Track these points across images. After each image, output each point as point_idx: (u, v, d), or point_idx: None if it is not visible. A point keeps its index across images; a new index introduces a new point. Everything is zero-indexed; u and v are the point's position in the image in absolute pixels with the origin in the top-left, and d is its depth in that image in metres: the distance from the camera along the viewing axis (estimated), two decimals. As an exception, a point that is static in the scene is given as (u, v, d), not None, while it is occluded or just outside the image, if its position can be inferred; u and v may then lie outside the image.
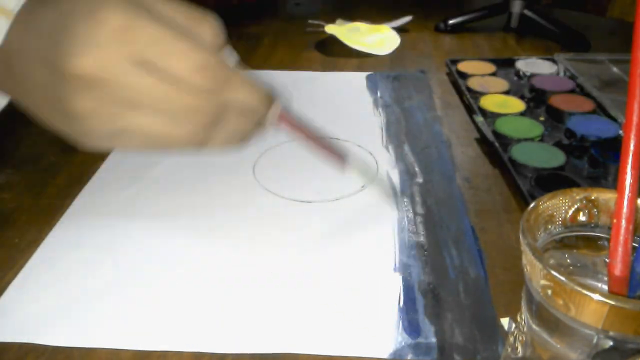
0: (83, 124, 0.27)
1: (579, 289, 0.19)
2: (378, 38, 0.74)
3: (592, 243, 0.24)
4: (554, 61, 0.67)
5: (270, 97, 0.31)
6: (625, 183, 0.20)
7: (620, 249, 0.21)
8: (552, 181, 0.44)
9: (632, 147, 0.20)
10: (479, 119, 0.54)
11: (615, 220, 0.21)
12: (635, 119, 0.20)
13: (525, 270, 0.22)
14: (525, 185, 0.43)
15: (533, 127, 0.52)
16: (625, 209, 0.21)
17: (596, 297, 0.18)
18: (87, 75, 0.26)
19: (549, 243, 0.24)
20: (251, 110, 0.30)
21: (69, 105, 0.27)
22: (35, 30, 0.27)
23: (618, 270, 0.21)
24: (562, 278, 0.19)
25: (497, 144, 0.49)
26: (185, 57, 0.27)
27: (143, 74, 0.26)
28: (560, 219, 0.24)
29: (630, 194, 0.20)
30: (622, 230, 0.21)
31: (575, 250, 0.24)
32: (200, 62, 0.27)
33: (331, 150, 0.36)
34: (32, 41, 0.27)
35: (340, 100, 0.60)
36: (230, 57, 0.31)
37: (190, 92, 0.27)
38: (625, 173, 0.20)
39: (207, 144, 0.30)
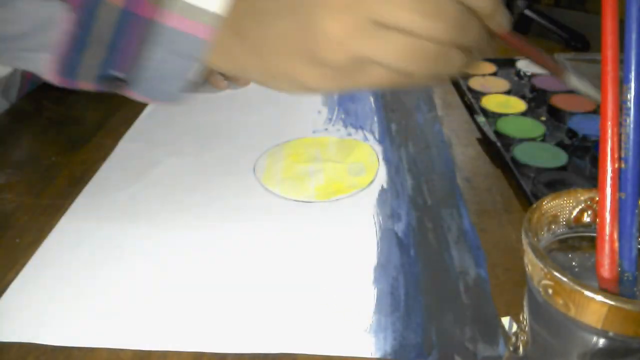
0: (326, 59, 0.29)
1: (579, 288, 0.19)
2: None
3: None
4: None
5: (500, 6, 0.31)
6: (605, 176, 0.21)
7: (606, 247, 0.21)
8: (554, 181, 0.44)
9: (609, 144, 0.20)
10: (481, 119, 0.54)
11: (599, 220, 0.21)
12: (610, 106, 0.20)
13: (527, 269, 0.22)
14: (528, 185, 0.43)
15: (535, 127, 0.52)
16: (608, 205, 0.21)
17: (596, 297, 0.18)
18: (334, 34, 0.28)
19: (552, 243, 0.24)
20: (488, 12, 0.30)
21: (322, 52, 0.28)
22: None
23: (606, 271, 0.21)
24: (563, 278, 0.19)
25: (499, 144, 0.49)
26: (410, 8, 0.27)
27: (381, 33, 0.28)
28: (564, 219, 0.24)
29: (611, 189, 0.20)
30: (607, 229, 0.21)
31: (579, 252, 0.24)
32: (428, 9, 0.27)
33: (549, 62, 0.38)
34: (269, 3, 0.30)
35: (341, 100, 0.60)
36: None
37: (426, 40, 0.28)
38: (605, 169, 0.21)
39: (449, 62, 0.30)
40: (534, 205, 0.23)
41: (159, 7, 0.30)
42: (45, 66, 0.33)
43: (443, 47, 0.29)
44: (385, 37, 0.28)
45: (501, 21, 0.31)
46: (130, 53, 0.32)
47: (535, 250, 0.20)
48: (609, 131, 0.20)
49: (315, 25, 0.28)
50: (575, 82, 0.40)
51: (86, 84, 0.34)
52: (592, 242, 0.23)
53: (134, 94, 0.34)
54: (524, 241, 0.21)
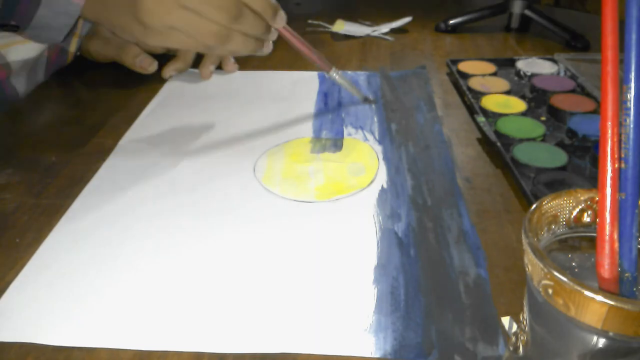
0: (145, 22, 0.44)
1: (579, 288, 0.19)
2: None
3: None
4: (554, 61, 0.67)
5: (277, 8, 0.46)
6: (605, 176, 0.21)
7: (607, 247, 0.21)
8: (554, 181, 0.44)
9: (609, 144, 0.20)
10: (481, 119, 0.54)
11: (599, 219, 0.21)
12: (609, 106, 0.20)
13: (527, 269, 0.22)
14: (528, 186, 0.43)
15: (535, 127, 0.52)
16: (608, 205, 0.21)
17: (596, 297, 0.18)
18: (150, 7, 0.44)
19: (552, 244, 0.24)
20: (264, 11, 0.45)
21: (142, 17, 0.44)
22: None
23: (606, 271, 0.21)
24: (563, 278, 0.19)
25: (499, 144, 0.49)
26: None
27: (183, 11, 0.43)
28: (564, 219, 0.24)
29: (611, 189, 0.20)
30: (607, 229, 0.21)
31: (579, 252, 0.24)
32: None
33: (319, 58, 0.53)
34: None
35: (341, 100, 0.60)
36: None
37: (212, 22, 0.44)
38: (605, 169, 0.21)
39: (229, 41, 0.45)
40: (534, 206, 0.23)
41: None
42: None
43: (225, 29, 0.44)
44: (185, 15, 0.43)
45: (280, 21, 0.47)
46: (24, 9, 0.49)
47: (535, 250, 0.20)
48: (609, 131, 0.20)
49: (138, 11, 0.44)
50: (337, 78, 0.55)
51: None
52: (592, 242, 0.23)
53: (24, 35, 0.51)
54: (524, 241, 0.21)
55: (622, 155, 0.20)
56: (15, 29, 0.49)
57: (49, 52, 0.66)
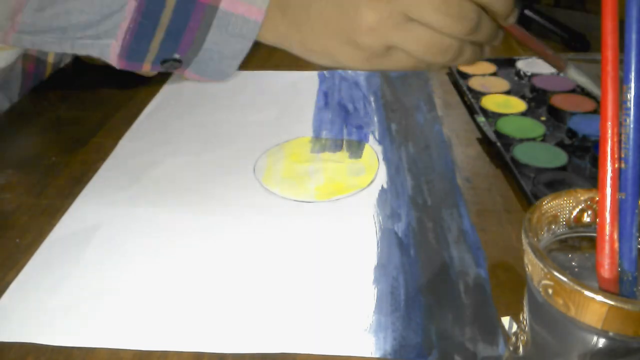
0: (362, 43, 0.34)
1: (579, 288, 0.19)
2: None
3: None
4: (554, 61, 0.67)
5: (514, 7, 0.36)
6: (605, 176, 0.21)
7: (607, 247, 0.21)
8: (554, 181, 0.44)
9: (609, 144, 0.20)
10: (481, 119, 0.54)
11: (599, 219, 0.21)
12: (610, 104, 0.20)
13: (527, 269, 0.22)
14: (528, 185, 0.43)
15: (535, 127, 0.52)
16: (608, 205, 0.21)
17: (596, 297, 0.18)
18: (369, 23, 0.33)
19: (552, 244, 0.24)
20: (504, 12, 0.35)
21: (358, 36, 0.33)
22: None
23: (606, 271, 0.21)
24: (563, 278, 0.19)
25: (499, 144, 0.49)
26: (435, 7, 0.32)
27: (409, 26, 0.33)
28: (564, 219, 0.24)
29: (611, 189, 0.20)
30: (607, 229, 0.21)
31: (579, 252, 0.24)
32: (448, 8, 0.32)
33: (550, 55, 0.42)
34: None
35: (341, 100, 0.60)
36: None
37: (446, 36, 0.33)
38: (605, 169, 0.21)
39: (461, 55, 0.35)
40: (534, 205, 0.23)
41: None
42: (109, 51, 0.36)
43: (459, 42, 0.34)
44: (413, 29, 0.33)
45: (512, 19, 0.37)
46: (190, 37, 0.35)
47: (535, 250, 0.20)
48: (609, 131, 0.20)
49: (355, 11, 0.33)
50: (575, 75, 0.43)
51: (146, 66, 0.37)
52: (592, 242, 0.23)
53: (188, 73, 0.38)
54: (524, 241, 0.21)
55: (622, 155, 0.20)
56: (177, 64, 0.37)
57: (23, 63, 0.60)
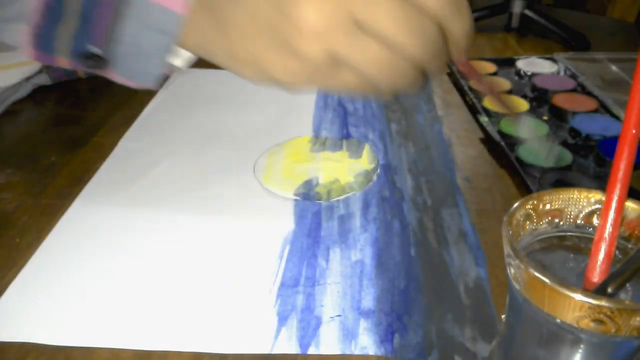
0: (300, 51, 0.27)
1: (558, 287, 0.19)
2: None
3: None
4: (553, 60, 0.67)
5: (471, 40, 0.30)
6: (616, 181, 0.21)
7: (602, 251, 0.21)
8: (559, 181, 0.44)
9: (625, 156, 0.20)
10: (484, 119, 0.54)
11: (600, 221, 0.21)
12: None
13: (508, 270, 0.22)
14: (535, 186, 0.43)
15: (538, 127, 0.52)
16: (612, 213, 0.21)
17: (573, 295, 0.18)
18: (312, 24, 0.26)
19: (534, 243, 0.24)
20: (460, 43, 0.29)
21: (297, 41, 0.27)
22: None
23: (596, 275, 0.21)
24: (541, 276, 0.19)
25: (503, 144, 0.49)
26: (394, 18, 0.26)
27: (359, 35, 0.26)
28: (546, 219, 0.24)
29: (618, 198, 0.21)
30: (607, 234, 0.21)
31: (561, 251, 0.24)
32: (409, 23, 0.26)
33: (502, 101, 0.36)
34: None
35: (341, 99, 0.60)
36: None
37: (400, 56, 0.27)
38: (617, 173, 0.21)
39: (415, 83, 0.30)
40: (514, 206, 0.23)
41: None
42: (21, 37, 0.32)
43: (412, 67, 0.28)
44: (364, 41, 0.27)
45: (467, 51, 0.30)
46: (103, 24, 0.31)
47: (513, 248, 0.21)
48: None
49: (295, 10, 0.26)
50: (524, 126, 0.43)
51: (63, 60, 0.33)
52: (573, 243, 0.24)
53: (114, 75, 0.33)
54: (504, 240, 0.21)
55: None
56: (101, 62, 0.32)
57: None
